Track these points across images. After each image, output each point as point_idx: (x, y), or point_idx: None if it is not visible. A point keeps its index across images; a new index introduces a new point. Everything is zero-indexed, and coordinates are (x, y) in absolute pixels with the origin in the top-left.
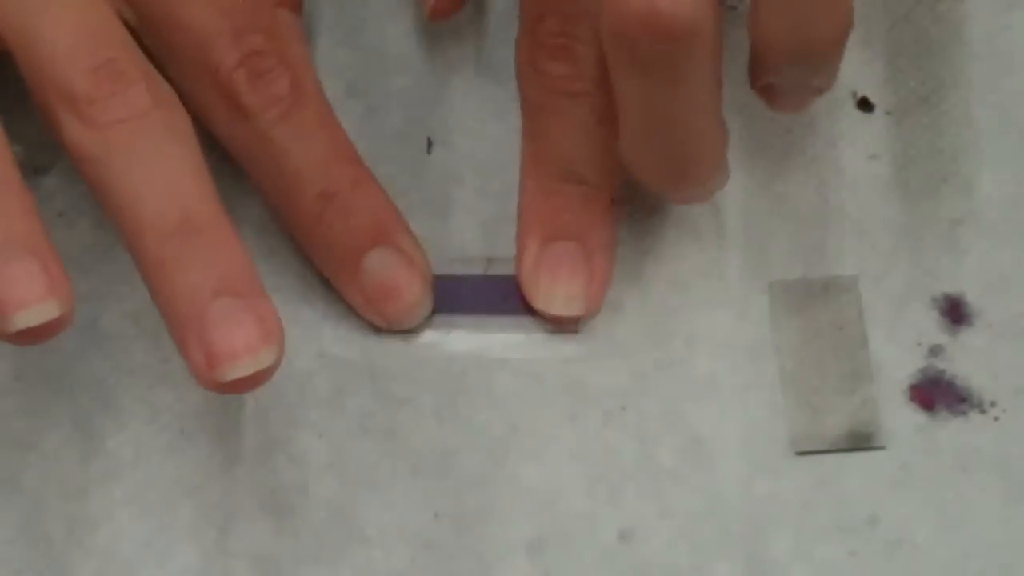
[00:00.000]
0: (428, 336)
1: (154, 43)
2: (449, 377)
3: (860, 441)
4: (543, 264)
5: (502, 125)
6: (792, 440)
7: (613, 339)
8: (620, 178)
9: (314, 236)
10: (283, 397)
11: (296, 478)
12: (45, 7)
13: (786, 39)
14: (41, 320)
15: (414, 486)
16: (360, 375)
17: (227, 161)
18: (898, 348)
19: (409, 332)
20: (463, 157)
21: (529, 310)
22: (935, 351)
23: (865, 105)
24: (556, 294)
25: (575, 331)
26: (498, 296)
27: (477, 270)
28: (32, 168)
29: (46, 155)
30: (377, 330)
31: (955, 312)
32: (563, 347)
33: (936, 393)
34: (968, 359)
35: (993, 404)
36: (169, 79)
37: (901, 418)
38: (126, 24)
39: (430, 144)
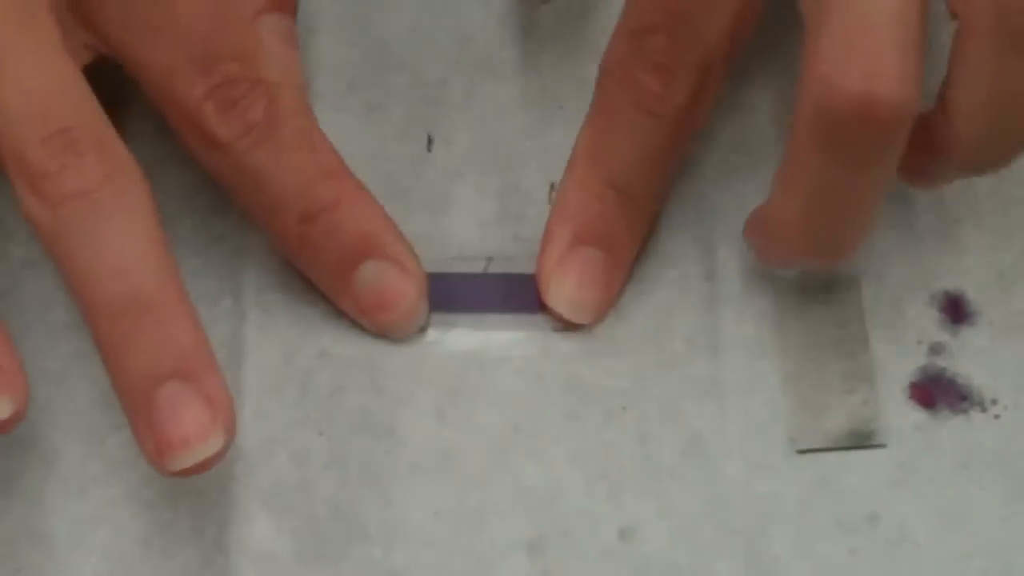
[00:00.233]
0: (428, 335)
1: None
2: (449, 376)
3: (861, 439)
4: (568, 264)
5: (503, 123)
6: (792, 438)
7: (613, 339)
8: (664, 203)
9: (301, 258)
10: (283, 395)
11: (296, 476)
12: (1, 70)
13: (984, 148)
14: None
15: (414, 484)
16: (360, 373)
17: None
18: (899, 346)
19: None
20: (464, 155)
21: (530, 309)
22: (936, 349)
23: None
24: (569, 297)
25: (575, 330)
26: (498, 295)
27: (477, 268)
28: None
29: None
30: None
31: (956, 310)
32: (563, 346)
33: (937, 391)
34: (969, 357)
35: (994, 402)
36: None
37: (902, 416)
38: (99, 56)
39: (431, 142)
